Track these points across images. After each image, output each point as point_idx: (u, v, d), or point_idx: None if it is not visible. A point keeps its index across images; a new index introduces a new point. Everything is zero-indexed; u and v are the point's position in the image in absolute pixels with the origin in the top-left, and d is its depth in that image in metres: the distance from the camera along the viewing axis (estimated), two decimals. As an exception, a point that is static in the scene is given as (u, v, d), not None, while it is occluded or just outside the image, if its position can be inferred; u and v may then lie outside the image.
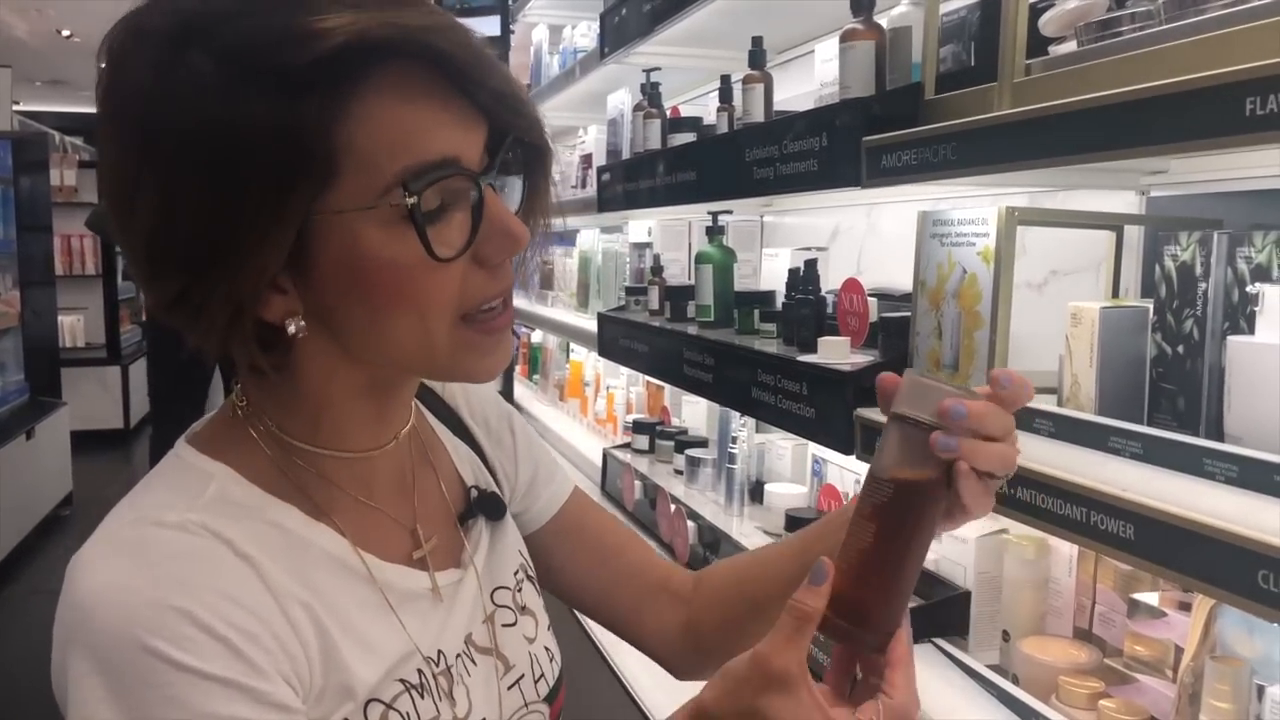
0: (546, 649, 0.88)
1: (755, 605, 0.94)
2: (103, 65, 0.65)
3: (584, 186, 2.96)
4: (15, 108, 6.74)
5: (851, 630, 0.67)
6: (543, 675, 0.86)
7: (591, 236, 3.21)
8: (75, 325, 7.08)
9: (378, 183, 0.64)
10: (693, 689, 0.68)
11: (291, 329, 0.67)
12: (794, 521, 1.91)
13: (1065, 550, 1.35)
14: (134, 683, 0.60)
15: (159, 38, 0.63)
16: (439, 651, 0.76)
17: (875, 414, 1.29)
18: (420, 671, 0.74)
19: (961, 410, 0.64)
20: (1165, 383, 0.99)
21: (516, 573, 0.89)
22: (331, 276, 0.66)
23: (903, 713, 0.64)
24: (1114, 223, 1.29)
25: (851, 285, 1.46)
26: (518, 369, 4.38)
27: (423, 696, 0.73)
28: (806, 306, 1.58)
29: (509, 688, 0.82)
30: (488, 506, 0.88)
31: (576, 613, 1.04)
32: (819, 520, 0.96)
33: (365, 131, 0.63)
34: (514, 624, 0.85)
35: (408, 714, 0.72)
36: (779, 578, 0.92)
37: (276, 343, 0.68)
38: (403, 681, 0.73)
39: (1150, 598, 1.21)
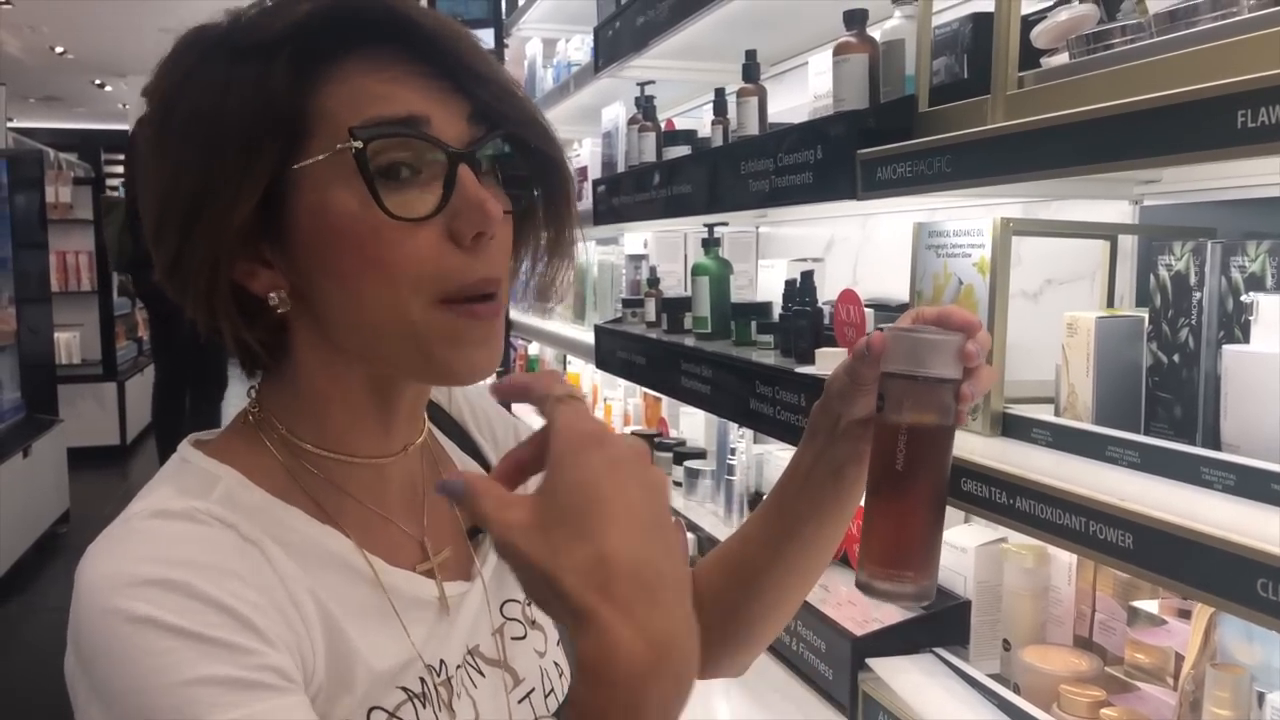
0: (556, 664, 0.88)
1: (748, 584, 0.93)
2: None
3: (580, 199, 2.97)
4: (9, 125, 6.75)
5: (899, 583, 0.75)
6: (553, 690, 0.86)
7: (587, 249, 3.22)
8: (71, 342, 7.07)
9: (339, 137, 0.67)
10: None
11: (274, 302, 0.70)
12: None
13: (1064, 559, 1.35)
14: (136, 653, 0.60)
15: (188, 39, 0.71)
16: (440, 661, 0.76)
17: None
18: (422, 680, 0.74)
19: (978, 353, 0.78)
20: (1162, 391, 0.99)
21: None
22: (305, 244, 0.69)
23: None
24: (1108, 232, 1.30)
25: (848, 296, 1.46)
26: (515, 381, 4.37)
27: (424, 705, 0.73)
28: (803, 318, 1.58)
29: (519, 701, 0.82)
30: None
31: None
32: (780, 481, 0.93)
33: (336, 96, 0.68)
34: (524, 637, 0.85)
35: None
36: (763, 549, 0.92)
37: (266, 322, 0.72)
38: (405, 689, 0.72)
39: (1150, 605, 1.22)
